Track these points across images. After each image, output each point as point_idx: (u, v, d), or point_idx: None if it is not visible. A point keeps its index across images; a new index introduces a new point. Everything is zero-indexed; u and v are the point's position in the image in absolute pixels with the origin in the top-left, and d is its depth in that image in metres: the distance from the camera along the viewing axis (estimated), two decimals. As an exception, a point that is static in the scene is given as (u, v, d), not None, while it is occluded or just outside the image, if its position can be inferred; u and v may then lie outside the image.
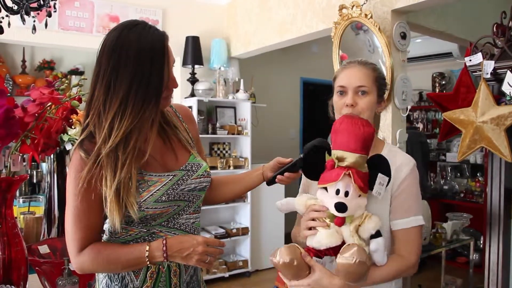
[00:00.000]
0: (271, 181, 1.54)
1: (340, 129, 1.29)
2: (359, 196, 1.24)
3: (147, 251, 1.26)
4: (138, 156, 1.27)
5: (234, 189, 1.65)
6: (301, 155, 1.44)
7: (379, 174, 1.26)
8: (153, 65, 1.25)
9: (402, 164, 1.40)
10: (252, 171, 1.63)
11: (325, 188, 1.27)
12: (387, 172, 1.28)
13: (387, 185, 1.29)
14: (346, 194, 1.23)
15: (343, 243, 1.24)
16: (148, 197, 1.30)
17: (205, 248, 1.28)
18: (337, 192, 1.24)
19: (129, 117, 1.24)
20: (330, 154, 1.31)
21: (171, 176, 1.37)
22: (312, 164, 1.32)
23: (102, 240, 1.41)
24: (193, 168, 1.45)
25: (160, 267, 1.38)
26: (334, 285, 1.24)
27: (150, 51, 1.25)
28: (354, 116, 1.33)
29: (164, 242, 1.27)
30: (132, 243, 1.34)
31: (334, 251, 1.26)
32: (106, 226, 1.43)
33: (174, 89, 1.37)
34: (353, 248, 1.18)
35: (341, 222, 1.25)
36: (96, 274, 1.44)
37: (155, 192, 1.32)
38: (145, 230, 1.36)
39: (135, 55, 1.24)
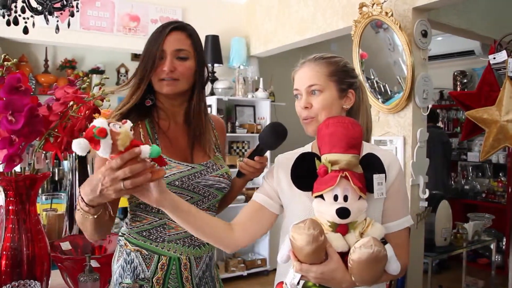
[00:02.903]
0: (238, 172, 1.57)
1: (328, 132, 1.21)
2: (359, 198, 1.16)
3: (80, 210, 1.20)
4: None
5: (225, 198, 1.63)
6: (258, 144, 1.48)
7: (375, 175, 1.19)
8: (148, 50, 1.44)
9: (391, 164, 1.31)
10: None
11: (321, 197, 1.18)
12: (380, 169, 1.21)
13: (385, 182, 1.22)
14: (345, 198, 1.14)
15: (349, 251, 1.15)
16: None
17: (112, 176, 1.07)
18: (335, 198, 1.15)
19: (131, 93, 1.45)
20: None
21: (190, 167, 1.44)
22: (302, 174, 1.23)
23: (123, 228, 1.50)
24: (214, 167, 1.52)
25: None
26: (346, 281, 1.14)
27: (148, 41, 1.46)
28: (338, 117, 1.27)
29: (79, 190, 1.20)
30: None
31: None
32: (117, 220, 1.49)
33: (170, 74, 1.43)
34: (366, 238, 1.10)
35: (345, 231, 1.16)
36: (112, 265, 1.50)
37: (170, 175, 1.38)
38: (157, 219, 1.43)
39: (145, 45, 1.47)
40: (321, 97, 1.33)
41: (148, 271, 1.41)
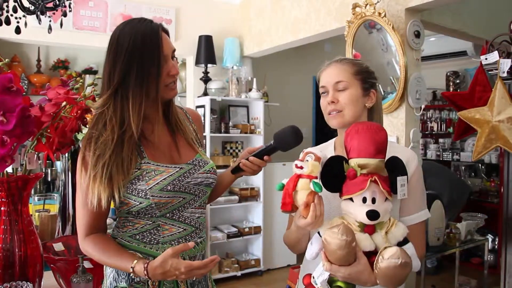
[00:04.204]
0: (235, 168, 1.57)
1: (357, 137, 1.26)
2: (385, 200, 1.22)
3: (131, 272, 1.28)
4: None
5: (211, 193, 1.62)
6: (272, 142, 1.48)
7: (398, 177, 1.24)
8: (146, 54, 1.33)
9: (409, 159, 1.38)
10: (228, 169, 1.66)
11: (350, 199, 1.23)
12: (403, 171, 1.26)
13: (407, 183, 1.28)
14: (373, 201, 1.20)
15: (375, 250, 1.21)
16: (154, 185, 1.35)
17: (189, 274, 1.26)
18: (364, 200, 1.20)
19: (139, 109, 1.33)
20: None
21: (178, 168, 1.42)
22: (331, 177, 1.27)
23: (113, 232, 1.47)
24: (200, 163, 1.49)
25: None
26: (370, 282, 1.20)
27: (142, 41, 1.33)
28: (367, 122, 1.32)
29: (146, 266, 1.25)
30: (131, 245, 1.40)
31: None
32: (110, 221, 1.46)
33: (176, 77, 1.41)
34: (394, 249, 1.15)
35: (372, 230, 1.22)
36: (104, 269, 1.47)
37: (161, 181, 1.36)
38: (150, 223, 1.40)
39: (127, 46, 1.34)
40: (347, 92, 1.42)
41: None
